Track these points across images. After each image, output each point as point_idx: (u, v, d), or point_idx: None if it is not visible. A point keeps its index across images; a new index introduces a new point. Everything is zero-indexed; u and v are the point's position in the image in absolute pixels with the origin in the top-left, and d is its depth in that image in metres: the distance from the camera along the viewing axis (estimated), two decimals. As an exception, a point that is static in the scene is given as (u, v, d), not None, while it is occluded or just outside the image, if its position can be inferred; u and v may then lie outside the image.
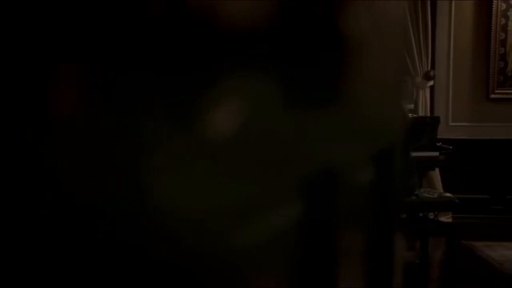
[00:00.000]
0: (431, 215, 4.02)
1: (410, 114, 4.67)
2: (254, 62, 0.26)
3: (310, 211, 0.44)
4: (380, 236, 0.69)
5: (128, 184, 0.25)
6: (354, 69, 0.49)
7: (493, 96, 5.85)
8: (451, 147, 4.56)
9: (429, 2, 5.67)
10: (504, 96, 5.84)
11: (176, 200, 0.30)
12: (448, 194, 4.12)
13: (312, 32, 0.30)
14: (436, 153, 4.40)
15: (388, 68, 0.63)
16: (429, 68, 5.73)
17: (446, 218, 5.79)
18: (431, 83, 5.79)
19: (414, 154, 4.25)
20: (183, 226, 0.32)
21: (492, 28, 5.76)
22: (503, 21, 5.75)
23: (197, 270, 0.33)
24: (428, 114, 5.68)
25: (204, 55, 0.23)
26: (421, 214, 3.96)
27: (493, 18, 5.75)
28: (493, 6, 5.74)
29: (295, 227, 0.43)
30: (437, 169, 5.66)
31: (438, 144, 4.55)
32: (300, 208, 0.43)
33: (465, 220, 5.79)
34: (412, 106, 4.83)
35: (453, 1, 5.85)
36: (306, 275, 0.44)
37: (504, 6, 5.74)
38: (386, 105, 0.65)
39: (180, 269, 0.32)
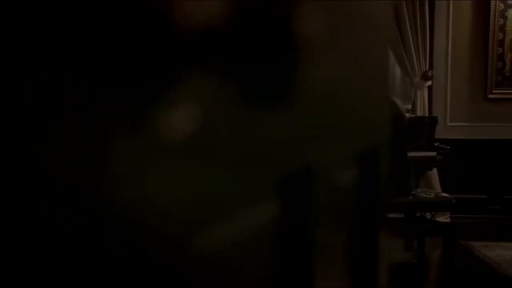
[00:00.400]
0: (428, 215, 4.02)
1: (408, 114, 4.67)
2: (211, 62, 0.26)
3: (286, 211, 0.44)
4: (364, 235, 0.69)
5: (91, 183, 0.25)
6: (323, 69, 0.49)
7: (491, 96, 5.86)
8: (448, 147, 4.56)
9: (427, 2, 5.67)
10: (502, 96, 5.84)
11: (146, 199, 0.30)
12: (445, 194, 4.12)
13: (269, 31, 0.30)
14: (434, 153, 4.40)
15: (365, 67, 0.63)
16: (427, 68, 5.74)
17: (444, 218, 5.79)
18: (429, 83, 5.80)
19: (411, 154, 4.25)
20: (152, 226, 0.31)
21: (490, 28, 5.76)
22: (501, 21, 5.75)
23: (167, 271, 0.33)
24: (426, 114, 5.68)
25: (160, 56, 0.23)
26: (418, 214, 3.96)
27: (491, 18, 5.76)
28: (491, 6, 5.74)
29: (271, 227, 0.43)
30: (435, 169, 5.66)
31: (435, 144, 4.55)
32: (276, 208, 0.43)
33: (463, 220, 5.79)
34: (410, 106, 4.83)
35: (451, 1, 5.85)
36: (282, 275, 0.44)
37: (502, 6, 5.74)
38: (366, 105, 0.65)
39: (149, 270, 0.32)
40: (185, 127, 0.26)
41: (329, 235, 0.50)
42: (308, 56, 0.39)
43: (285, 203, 0.43)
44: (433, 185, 5.78)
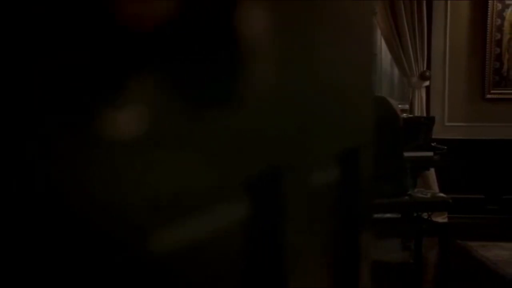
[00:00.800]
0: (425, 215, 4.01)
1: (405, 114, 4.67)
2: (153, 62, 0.26)
3: (256, 210, 0.44)
4: (345, 236, 0.69)
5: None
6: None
7: (488, 96, 5.86)
8: (445, 147, 4.56)
9: (425, 2, 5.67)
10: (500, 96, 5.85)
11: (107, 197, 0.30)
12: (441, 194, 4.12)
13: (210, 31, 0.30)
14: (431, 153, 4.40)
15: (344, 66, 0.64)
16: (425, 68, 5.74)
17: (441, 218, 5.78)
18: (427, 83, 5.80)
19: (408, 154, 4.25)
20: (115, 225, 0.31)
21: (488, 28, 5.77)
22: (499, 21, 5.75)
23: (131, 269, 0.33)
24: (424, 114, 5.68)
25: (98, 56, 0.23)
26: (415, 214, 3.96)
27: (488, 19, 5.76)
28: (489, 6, 5.74)
29: (241, 227, 0.43)
30: (432, 169, 5.66)
31: (433, 144, 4.55)
32: (246, 208, 0.43)
33: (461, 220, 5.79)
34: (407, 106, 4.83)
35: (449, 1, 5.85)
36: (252, 276, 0.44)
37: (499, 6, 5.74)
38: (345, 104, 0.65)
39: (114, 269, 0.32)
40: (129, 127, 0.26)
41: (302, 235, 0.51)
42: (264, 55, 0.39)
43: (254, 202, 0.43)
44: (431, 185, 5.78)
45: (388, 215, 4.30)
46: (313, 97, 0.63)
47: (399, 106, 4.83)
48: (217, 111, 0.32)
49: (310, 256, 0.60)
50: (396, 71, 5.93)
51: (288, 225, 0.48)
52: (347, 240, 0.70)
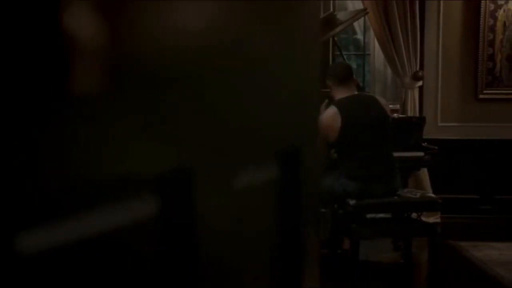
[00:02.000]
0: (414, 216, 4.01)
1: (395, 115, 4.67)
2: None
3: (163, 208, 0.44)
4: (286, 232, 0.70)
5: None
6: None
7: (481, 96, 5.86)
8: (436, 147, 4.56)
9: (417, 2, 5.67)
10: (493, 96, 5.85)
11: None
12: (430, 194, 4.13)
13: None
14: (421, 153, 4.41)
15: (281, 67, 0.64)
16: (417, 68, 5.74)
17: (434, 219, 5.79)
18: (419, 83, 5.80)
19: (399, 154, 4.25)
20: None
21: (481, 28, 5.77)
22: (491, 21, 5.76)
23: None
24: (417, 115, 5.69)
25: None
26: (405, 215, 3.96)
27: (481, 19, 5.76)
28: (482, 6, 5.74)
29: (149, 224, 0.44)
30: (425, 169, 5.67)
31: (423, 144, 4.55)
32: (154, 206, 0.43)
33: (454, 220, 5.79)
34: (397, 106, 4.83)
35: (442, 2, 5.86)
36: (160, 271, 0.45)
37: (492, 6, 5.75)
38: (282, 105, 0.66)
39: None
40: None
41: (216, 232, 0.51)
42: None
43: (162, 201, 0.44)
44: (424, 186, 5.79)
45: (381, 215, 4.31)
46: (250, 98, 0.64)
47: (390, 106, 4.83)
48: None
49: (244, 254, 0.61)
50: (389, 71, 5.93)
51: (201, 222, 0.48)
52: (288, 236, 0.70)
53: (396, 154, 4.24)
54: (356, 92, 3.90)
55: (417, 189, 5.62)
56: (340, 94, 3.80)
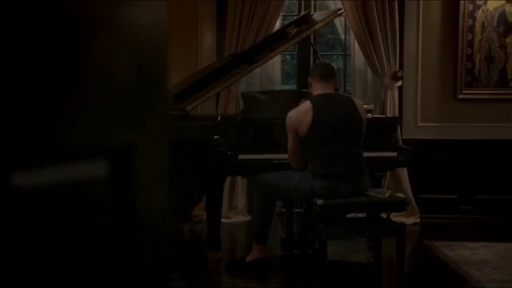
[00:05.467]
0: (389, 215, 4.01)
1: (370, 115, 4.68)
2: None
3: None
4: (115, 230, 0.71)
5: None
6: None
7: (461, 96, 5.88)
8: (410, 147, 4.57)
9: (396, 3, 5.68)
10: (472, 96, 5.86)
11: None
12: (399, 194, 4.13)
13: None
14: (395, 153, 4.41)
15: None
16: (397, 68, 5.75)
17: (414, 219, 5.80)
18: (399, 83, 5.81)
19: (372, 154, 4.26)
20: None
21: (460, 29, 5.78)
22: (470, 22, 5.77)
23: None
24: (397, 115, 5.69)
25: None
26: (376, 215, 3.97)
27: (460, 19, 5.77)
28: (460, 7, 5.75)
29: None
30: (404, 170, 5.68)
31: (398, 144, 4.56)
32: None
33: (433, 220, 5.80)
34: (371, 106, 4.84)
35: (421, 2, 5.87)
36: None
37: (471, 7, 5.76)
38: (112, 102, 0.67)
39: None
40: None
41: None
42: None
43: None
44: (403, 186, 5.79)
45: (360, 215, 4.31)
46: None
47: (365, 106, 4.84)
48: None
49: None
50: (369, 71, 5.94)
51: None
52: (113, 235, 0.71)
53: (369, 154, 4.24)
54: (333, 92, 3.91)
55: (397, 189, 5.64)
56: (317, 91, 3.83)
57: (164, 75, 0.79)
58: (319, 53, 4.95)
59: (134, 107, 0.73)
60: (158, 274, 0.80)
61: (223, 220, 5.66)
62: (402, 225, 3.86)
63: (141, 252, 0.75)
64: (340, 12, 4.84)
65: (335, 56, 7.49)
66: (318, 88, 3.83)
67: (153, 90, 0.77)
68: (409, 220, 5.76)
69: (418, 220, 5.80)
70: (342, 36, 6.43)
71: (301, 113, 3.72)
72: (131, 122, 0.72)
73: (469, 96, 5.86)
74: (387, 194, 3.86)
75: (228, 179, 5.82)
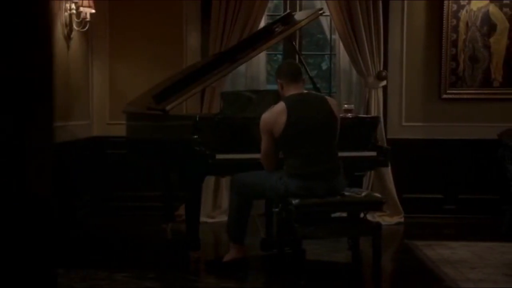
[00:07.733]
0: (365, 214, 4.02)
1: (350, 114, 4.68)
2: None
3: None
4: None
5: None
6: None
7: (445, 96, 5.88)
8: (389, 147, 4.58)
9: (381, 3, 5.69)
10: (456, 96, 5.87)
11: None
12: (376, 194, 4.14)
13: None
14: (374, 153, 4.41)
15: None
16: (381, 68, 5.75)
17: (398, 218, 5.80)
18: (383, 83, 5.81)
19: (351, 154, 4.26)
20: None
21: (444, 28, 5.79)
22: (454, 22, 5.77)
23: None
24: (381, 114, 5.70)
25: None
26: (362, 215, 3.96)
27: (444, 19, 5.78)
28: (445, 7, 5.76)
29: None
30: (389, 169, 5.68)
31: (377, 144, 4.56)
32: None
33: (417, 220, 5.80)
34: (352, 106, 4.84)
35: (405, 2, 5.87)
36: None
37: (455, 7, 5.76)
38: None
39: None
40: None
41: None
42: None
43: None
44: (387, 185, 5.80)
45: (341, 214, 4.31)
46: None
47: (345, 106, 4.85)
48: None
49: None
50: (354, 71, 5.94)
51: None
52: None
53: (349, 153, 4.25)
54: (305, 91, 3.93)
55: (381, 189, 5.65)
56: (289, 92, 3.85)
57: None
58: (308, 53, 4.95)
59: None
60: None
61: (207, 219, 5.69)
62: (378, 225, 3.87)
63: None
64: (321, 12, 4.84)
65: (326, 56, 7.49)
66: (289, 90, 3.85)
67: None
68: (393, 219, 5.77)
69: (402, 219, 5.80)
70: (328, 36, 6.42)
71: (275, 114, 3.73)
72: None
73: (454, 96, 5.87)
74: (363, 194, 3.86)
75: (213, 179, 5.83)
